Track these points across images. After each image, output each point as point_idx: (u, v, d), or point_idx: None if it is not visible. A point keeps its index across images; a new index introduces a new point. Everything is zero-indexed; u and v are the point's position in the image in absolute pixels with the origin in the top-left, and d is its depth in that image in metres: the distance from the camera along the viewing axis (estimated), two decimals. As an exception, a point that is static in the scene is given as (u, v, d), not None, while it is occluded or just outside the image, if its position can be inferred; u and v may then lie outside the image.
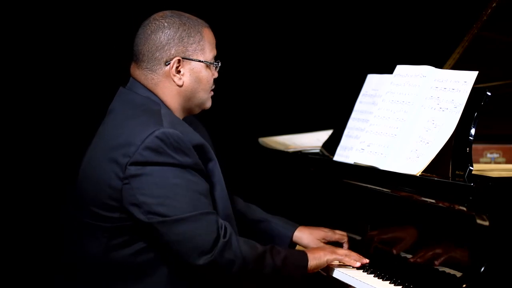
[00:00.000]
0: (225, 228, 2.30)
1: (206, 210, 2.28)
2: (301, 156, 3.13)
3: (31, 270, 3.81)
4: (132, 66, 2.45)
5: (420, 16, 4.28)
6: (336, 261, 2.52)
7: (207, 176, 2.36)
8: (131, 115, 2.34)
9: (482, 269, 2.18)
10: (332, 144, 2.96)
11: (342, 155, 2.80)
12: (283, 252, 2.40)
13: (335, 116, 3.06)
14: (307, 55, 4.37)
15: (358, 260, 2.52)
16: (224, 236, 2.28)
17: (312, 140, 3.39)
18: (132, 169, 2.24)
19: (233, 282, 2.33)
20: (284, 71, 4.34)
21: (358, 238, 2.73)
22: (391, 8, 4.31)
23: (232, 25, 4.08)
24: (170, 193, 2.24)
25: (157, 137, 2.24)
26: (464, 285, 2.18)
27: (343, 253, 2.53)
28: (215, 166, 2.39)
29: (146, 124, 2.28)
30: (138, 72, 2.42)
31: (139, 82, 2.42)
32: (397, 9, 4.30)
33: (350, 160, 2.70)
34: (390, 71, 2.74)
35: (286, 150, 3.26)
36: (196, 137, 2.34)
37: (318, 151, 3.15)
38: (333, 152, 2.87)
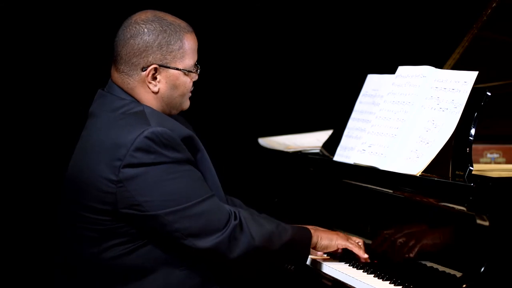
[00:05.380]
0: (235, 212, 2.33)
1: (210, 194, 2.31)
2: (301, 156, 3.12)
3: (31, 270, 3.81)
4: (112, 67, 2.43)
5: (420, 17, 4.28)
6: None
7: (197, 167, 2.37)
8: (113, 119, 2.33)
9: (482, 269, 2.18)
10: (332, 144, 2.96)
11: (343, 155, 2.80)
12: (289, 231, 2.43)
13: (335, 116, 3.06)
14: (307, 55, 4.37)
15: (365, 253, 2.55)
16: (235, 218, 2.31)
17: (312, 140, 3.38)
18: (126, 172, 2.23)
19: (235, 266, 2.35)
20: (284, 71, 4.33)
21: (358, 238, 2.73)
22: (391, 8, 4.31)
23: (233, 26, 4.07)
24: (170, 188, 2.25)
25: (146, 137, 2.24)
26: (464, 285, 2.18)
27: (355, 243, 2.56)
28: (203, 156, 2.41)
29: (133, 126, 2.27)
30: (116, 75, 2.41)
31: (117, 85, 2.40)
32: (397, 9, 4.30)
33: (351, 161, 2.70)
34: (390, 71, 2.74)
35: (286, 150, 3.26)
36: (184, 130, 2.34)
37: (318, 151, 3.14)
38: (333, 152, 2.87)
